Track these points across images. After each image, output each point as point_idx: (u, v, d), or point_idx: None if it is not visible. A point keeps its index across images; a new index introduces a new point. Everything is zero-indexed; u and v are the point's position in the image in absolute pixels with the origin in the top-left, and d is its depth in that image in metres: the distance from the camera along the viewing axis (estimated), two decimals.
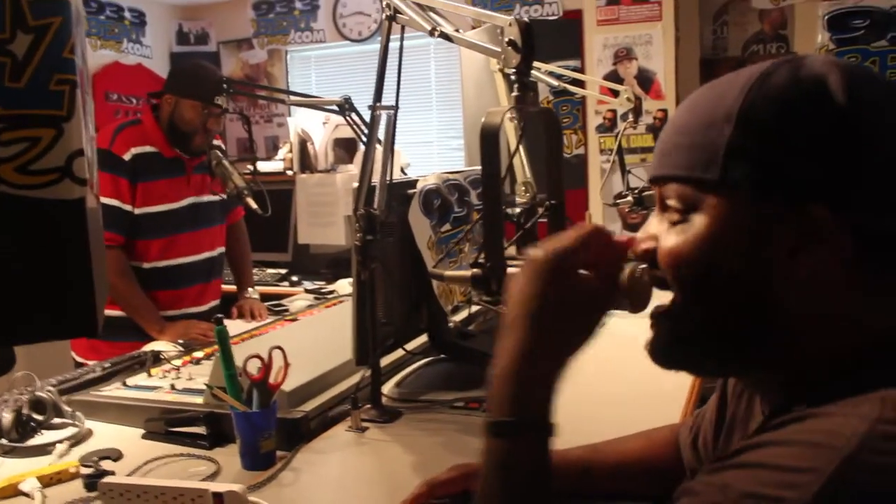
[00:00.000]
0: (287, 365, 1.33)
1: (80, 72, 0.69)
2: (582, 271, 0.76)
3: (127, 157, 2.42)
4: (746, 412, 0.86)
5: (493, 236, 0.89)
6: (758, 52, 3.90)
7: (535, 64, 2.21)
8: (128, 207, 2.43)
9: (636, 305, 0.77)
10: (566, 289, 0.74)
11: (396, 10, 1.28)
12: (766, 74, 0.68)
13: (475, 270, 0.92)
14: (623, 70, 3.62)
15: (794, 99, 0.66)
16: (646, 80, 3.59)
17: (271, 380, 1.31)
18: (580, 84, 2.74)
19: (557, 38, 3.38)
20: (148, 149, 2.47)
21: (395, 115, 1.31)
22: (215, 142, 2.61)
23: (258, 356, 1.31)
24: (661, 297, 0.76)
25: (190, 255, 2.60)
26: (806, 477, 0.55)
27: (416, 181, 1.62)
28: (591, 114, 3.71)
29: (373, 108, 1.31)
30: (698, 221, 0.70)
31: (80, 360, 2.51)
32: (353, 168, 3.73)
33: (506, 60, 0.94)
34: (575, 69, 3.47)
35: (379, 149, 1.41)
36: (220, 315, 1.37)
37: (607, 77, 3.58)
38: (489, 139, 0.84)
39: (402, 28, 1.29)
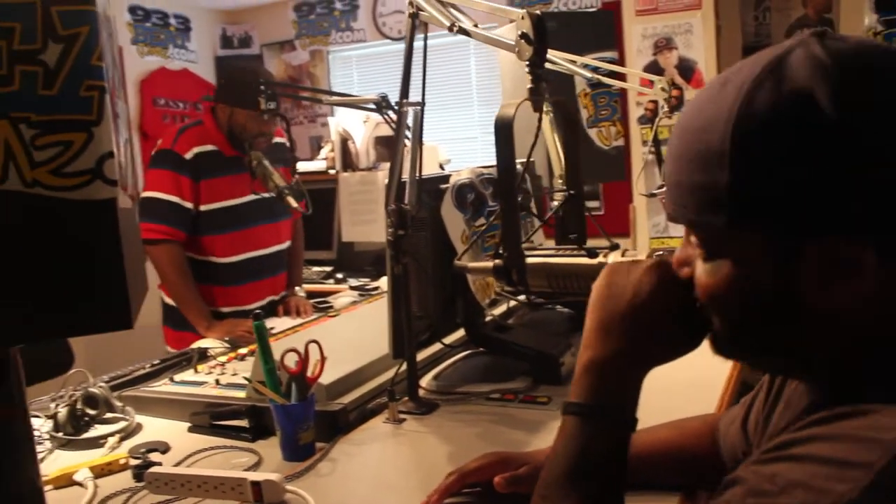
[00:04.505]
0: (323, 358, 1.36)
1: (110, 78, 0.73)
2: None
3: (188, 155, 2.51)
4: (796, 395, 0.86)
5: (510, 228, 0.90)
6: None
7: (571, 57, 2.21)
8: (188, 204, 2.52)
9: None
10: (690, 310, 0.77)
11: (419, 8, 1.30)
12: (749, 98, 0.63)
13: (496, 261, 0.94)
14: (663, 60, 3.58)
15: (782, 126, 0.62)
16: (687, 69, 3.55)
17: (308, 373, 1.34)
18: (618, 76, 2.72)
19: (595, 29, 3.36)
20: (209, 147, 2.56)
21: (422, 110, 1.33)
22: (280, 139, 2.70)
23: (295, 350, 1.34)
24: None
25: (258, 249, 2.69)
26: (856, 472, 0.56)
27: (450, 176, 1.64)
28: (633, 105, 3.68)
29: (399, 104, 1.33)
30: (724, 264, 0.69)
31: (171, 350, 2.59)
32: None
33: (519, 53, 0.96)
34: (613, 61, 3.44)
35: (409, 145, 1.43)
36: (259, 311, 1.40)
37: (647, 67, 3.55)
38: (503, 131, 0.86)
39: (426, 25, 1.31)
